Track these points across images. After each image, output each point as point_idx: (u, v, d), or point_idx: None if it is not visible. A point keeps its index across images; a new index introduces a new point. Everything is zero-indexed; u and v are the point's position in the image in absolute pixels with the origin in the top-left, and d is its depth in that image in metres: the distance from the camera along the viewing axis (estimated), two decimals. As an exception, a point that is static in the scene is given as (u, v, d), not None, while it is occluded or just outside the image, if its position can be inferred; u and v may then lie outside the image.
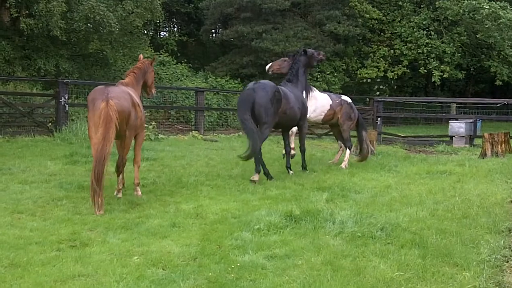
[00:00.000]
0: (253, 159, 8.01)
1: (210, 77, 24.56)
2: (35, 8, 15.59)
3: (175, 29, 34.01)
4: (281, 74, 10.00)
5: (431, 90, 33.64)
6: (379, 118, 16.98)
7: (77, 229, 5.10)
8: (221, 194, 6.97)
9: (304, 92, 9.56)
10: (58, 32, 15.78)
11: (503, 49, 24.38)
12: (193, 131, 16.22)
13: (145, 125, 8.97)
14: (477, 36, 25.81)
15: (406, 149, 14.55)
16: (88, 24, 17.06)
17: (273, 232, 5.09)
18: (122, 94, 6.31)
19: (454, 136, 15.42)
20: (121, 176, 6.66)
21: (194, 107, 18.27)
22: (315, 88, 10.67)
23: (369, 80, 28.41)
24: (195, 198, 6.70)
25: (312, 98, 9.99)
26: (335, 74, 27.25)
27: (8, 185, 7.09)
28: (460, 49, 27.92)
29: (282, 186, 7.65)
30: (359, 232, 5.02)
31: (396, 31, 28.82)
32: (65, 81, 13.73)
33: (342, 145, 10.98)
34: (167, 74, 22.87)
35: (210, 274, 3.98)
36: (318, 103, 10.30)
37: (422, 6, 29.04)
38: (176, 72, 23.43)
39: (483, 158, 11.55)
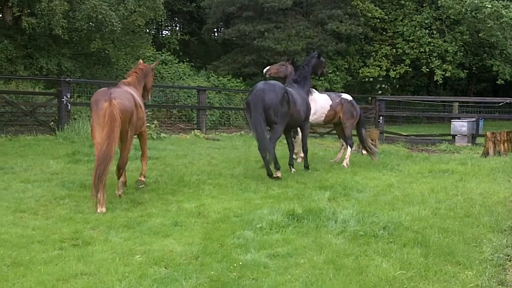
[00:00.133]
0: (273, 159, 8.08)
1: (212, 76, 24.56)
2: (37, 7, 15.61)
3: (177, 28, 33.95)
4: (278, 78, 10.10)
5: (433, 89, 33.58)
6: (381, 117, 16.98)
7: (79, 228, 5.11)
8: (223, 193, 6.98)
9: (308, 94, 9.66)
10: (60, 31, 15.80)
11: (505, 48, 24.32)
12: (195, 130, 16.24)
13: (147, 124, 9.06)
14: (479, 35, 25.74)
15: (408, 148, 14.53)
16: (90, 23, 17.07)
17: (275, 231, 5.09)
18: (125, 94, 6.41)
19: (456, 135, 15.40)
20: (121, 178, 6.65)
21: (196, 106, 18.29)
22: (314, 90, 10.70)
23: (371, 79, 28.37)
24: (197, 197, 6.70)
25: (311, 101, 10.02)
26: (337, 73, 27.23)
27: (10, 184, 7.10)
28: (462, 48, 27.83)
29: (284, 185, 7.66)
30: (361, 231, 5.02)
31: (398, 30, 28.76)
32: (67, 80, 13.76)
33: (344, 143, 10.99)
34: (169, 73, 22.85)
35: (212, 272, 3.98)
36: (318, 106, 10.33)
37: (424, 5, 28.98)
38: (178, 71, 23.42)
39: (485, 157, 11.53)
